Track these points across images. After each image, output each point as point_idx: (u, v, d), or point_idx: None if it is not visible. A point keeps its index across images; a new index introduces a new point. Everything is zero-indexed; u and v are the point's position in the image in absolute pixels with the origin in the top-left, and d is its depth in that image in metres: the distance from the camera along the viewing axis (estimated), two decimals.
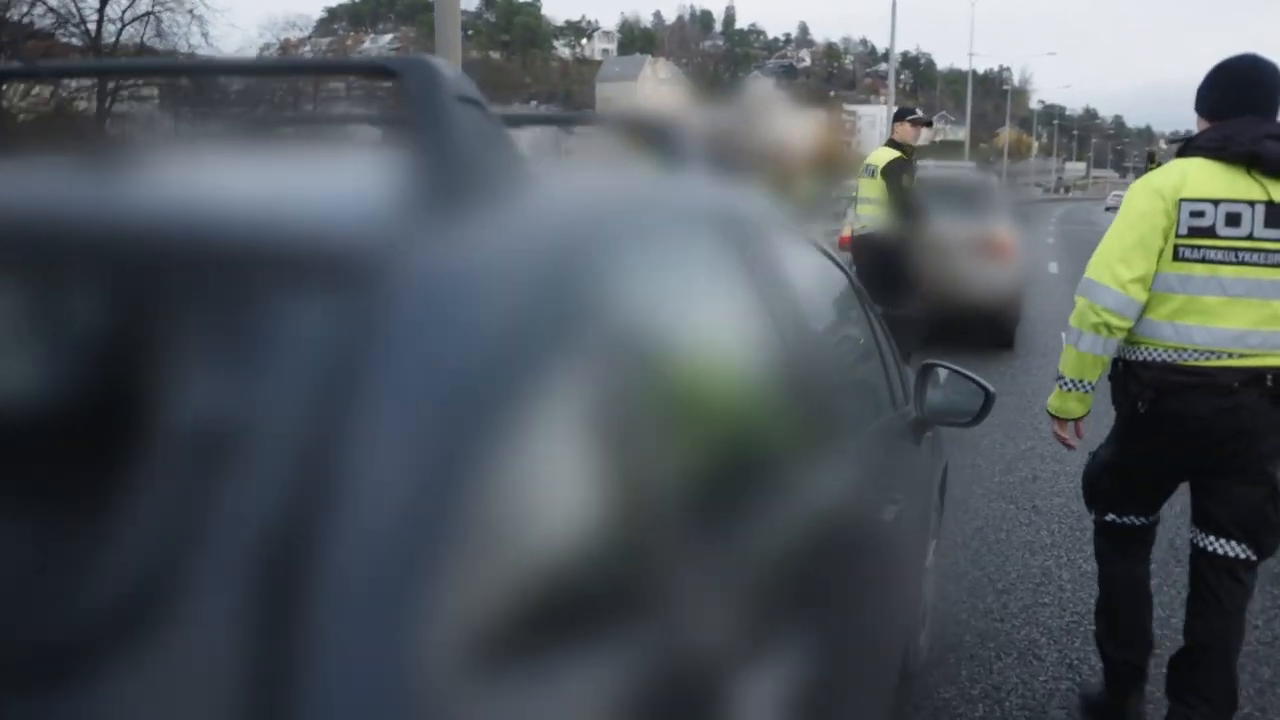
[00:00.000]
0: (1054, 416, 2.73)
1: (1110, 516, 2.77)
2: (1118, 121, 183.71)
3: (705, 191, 1.59)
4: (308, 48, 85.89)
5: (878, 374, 2.30)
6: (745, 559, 1.17)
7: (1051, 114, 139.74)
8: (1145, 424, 2.54)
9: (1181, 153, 2.54)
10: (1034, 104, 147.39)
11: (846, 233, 9.73)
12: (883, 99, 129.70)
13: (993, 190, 9.63)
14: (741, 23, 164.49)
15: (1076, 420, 2.71)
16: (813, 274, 1.95)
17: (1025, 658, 3.24)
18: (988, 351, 8.03)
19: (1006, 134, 77.20)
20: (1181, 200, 2.43)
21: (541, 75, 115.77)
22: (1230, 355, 2.42)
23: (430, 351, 0.78)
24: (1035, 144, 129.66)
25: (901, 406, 2.38)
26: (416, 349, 0.78)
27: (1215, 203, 2.42)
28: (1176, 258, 2.45)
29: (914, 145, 7.01)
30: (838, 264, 2.23)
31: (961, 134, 77.07)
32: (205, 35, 30.01)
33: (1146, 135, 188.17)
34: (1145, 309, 2.48)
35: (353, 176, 1.15)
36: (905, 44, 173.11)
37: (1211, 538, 2.55)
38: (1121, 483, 2.71)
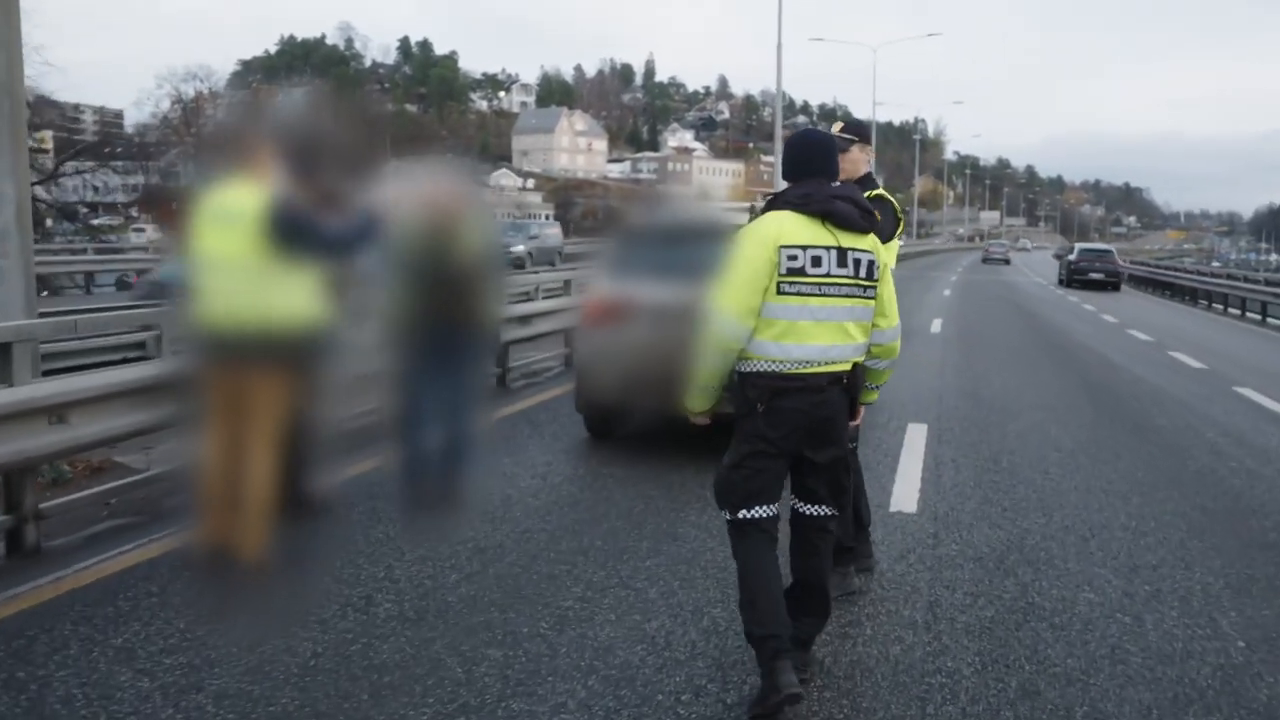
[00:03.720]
0: (690, 411, 3.55)
1: (742, 513, 3.37)
2: (1029, 171, 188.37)
3: None
4: (219, 100, 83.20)
5: None
6: None
7: (964, 164, 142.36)
8: (764, 419, 3.34)
9: (770, 205, 3.40)
10: (948, 155, 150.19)
11: (597, 301, 7.20)
12: None
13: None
14: (661, 76, 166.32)
15: (704, 412, 3.51)
16: None
17: None
18: None
19: (919, 184, 78.02)
20: (780, 247, 3.27)
21: (458, 128, 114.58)
22: (820, 364, 3.31)
23: None
24: (950, 194, 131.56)
25: None
26: None
27: (804, 248, 3.28)
28: (779, 292, 3.27)
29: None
30: None
31: None
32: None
33: (1058, 185, 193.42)
34: (755, 331, 3.29)
35: None
36: (823, 96, 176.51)
37: (807, 505, 3.49)
38: (748, 476, 3.37)
